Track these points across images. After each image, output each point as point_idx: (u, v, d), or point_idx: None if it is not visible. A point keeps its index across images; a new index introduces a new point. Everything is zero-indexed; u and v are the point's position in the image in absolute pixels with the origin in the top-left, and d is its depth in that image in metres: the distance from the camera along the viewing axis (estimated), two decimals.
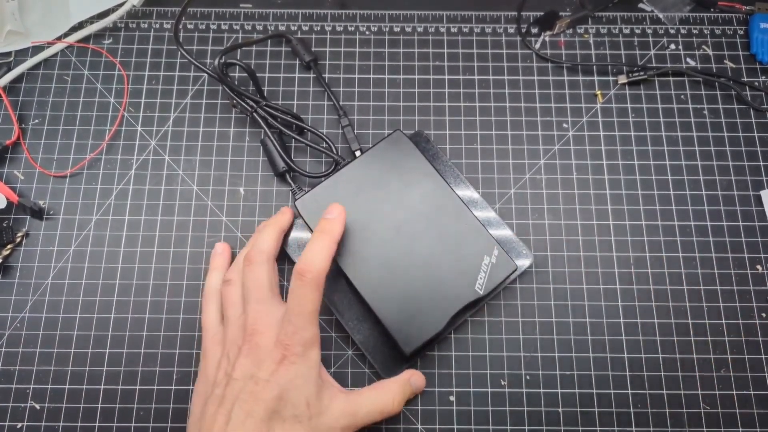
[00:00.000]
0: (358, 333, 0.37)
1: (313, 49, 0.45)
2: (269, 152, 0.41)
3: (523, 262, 0.38)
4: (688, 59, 0.45)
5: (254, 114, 0.41)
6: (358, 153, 0.41)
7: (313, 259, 0.32)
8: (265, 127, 0.41)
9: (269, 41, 0.45)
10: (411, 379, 0.36)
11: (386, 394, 0.34)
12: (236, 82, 0.43)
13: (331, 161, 0.41)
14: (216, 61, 0.39)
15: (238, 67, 0.41)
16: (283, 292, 0.39)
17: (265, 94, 0.44)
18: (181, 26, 0.46)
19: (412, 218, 0.36)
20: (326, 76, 0.44)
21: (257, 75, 0.44)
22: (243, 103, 0.41)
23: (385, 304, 0.35)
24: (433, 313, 0.34)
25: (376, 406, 0.33)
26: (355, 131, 0.42)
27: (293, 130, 0.41)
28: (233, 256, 0.40)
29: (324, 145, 0.40)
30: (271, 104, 0.41)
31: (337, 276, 0.35)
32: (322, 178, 0.38)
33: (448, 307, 0.35)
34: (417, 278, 0.35)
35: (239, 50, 0.45)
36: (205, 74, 0.44)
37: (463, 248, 0.35)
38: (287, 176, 0.40)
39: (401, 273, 0.35)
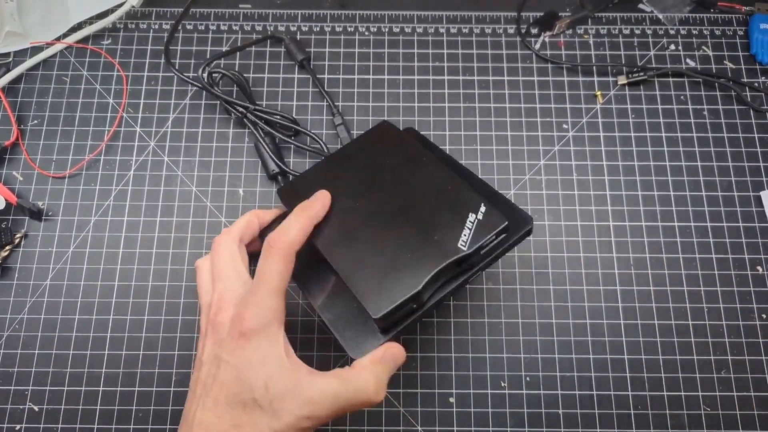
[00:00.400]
0: (328, 312, 0.32)
1: (312, 49, 0.45)
2: (261, 155, 0.41)
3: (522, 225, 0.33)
4: (688, 60, 0.45)
5: (244, 119, 0.41)
6: None
7: (286, 231, 0.30)
8: (255, 131, 0.41)
9: (268, 42, 0.45)
10: (385, 354, 0.30)
11: (357, 380, 0.29)
12: (234, 85, 0.43)
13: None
14: (200, 72, 0.39)
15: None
16: None
17: (264, 95, 0.44)
18: (180, 26, 0.45)
19: (393, 186, 0.33)
20: (326, 76, 0.44)
21: (254, 76, 0.44)
22: (233, 110, 0.41)
23: (354, 266, 0.30)
24: (409, 274, 0.30)
25: (345, 392, 0.28)
26: (355, 131, 0.42)
27: (289, 131, 0.41)
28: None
29: (317, 146, 0.40)
30: (261, 108, 0.41)
31: (313, 263, 0.32)
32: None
33: (425, 266, 0.30)
34: (392, 240, 0.31)
35: (237, 53, 0.45)
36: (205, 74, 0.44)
37: (447, 208, 0.32)
38: (279, 178, 0.41)
39: (377, 238, 0.31)
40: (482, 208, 0.31)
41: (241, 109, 0.41)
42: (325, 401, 0.28)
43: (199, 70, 0.40)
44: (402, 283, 0.29)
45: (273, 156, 0.40)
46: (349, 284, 0.30)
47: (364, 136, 0.36)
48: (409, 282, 0.29)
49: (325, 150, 0.40)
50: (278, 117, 0.41)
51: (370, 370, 0.29)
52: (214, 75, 0.41)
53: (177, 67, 0.44)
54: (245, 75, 0.43)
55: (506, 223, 0.31)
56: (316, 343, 0.38)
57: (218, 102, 0.43)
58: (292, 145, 0.42)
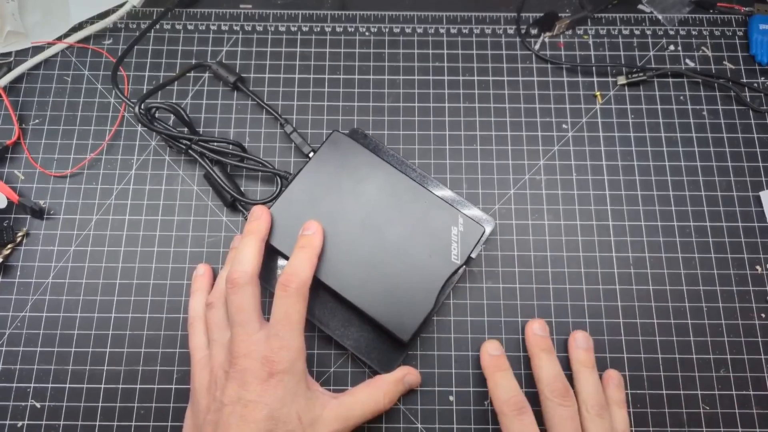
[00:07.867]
0: (347, 339, 0.37)
1: (313, 49, 0.45)
2: (213, 186, 0.40)
3: (488, 228, 0.39)
4: (688, 60, 0.45)
5: (190, 151, 0.40)
6: (311, 154, 0.40)
7: (296, 270, 0.33)
8: (203, 162, 0.40)
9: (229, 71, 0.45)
10: (406, 377, 0.36)
11: (377, 392, 0.34)
12: (187, 113, 0.41)
13: (278, 180, 0.40)
14: (136, 109, 0.38)
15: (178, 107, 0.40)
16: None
17: (217, 122, 0.43)
18: (181, 26, 0.46)
19: (373, 211, 0.36)
20: (327, 77, 0.44)
21: (207, 103, 0.43)
22: (178, 144, 0.40)
23: (371, 299, 0.35)
24: (420, 295, 0.35)
25: (368, 405, 0.34)
26: (356, 131, 0.42)
27: (236, 156, 0.41)
28: (215, 274, 0.39)
29: (267, 167, 0.40)
30: (205, 138, 0.40)
31: (314, 290, 0.34)
32: (271, 201, 0.38)
33: (431, 285, 0.35)
34: (394, 267, 0.35)
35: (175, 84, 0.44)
36: (205, 75, 0.44)
37: (430, 225, 0.36)
38: (238, 205, 0.40)
39: (378, 266, 0.35)
40: (460, 220, 0.36)
41: (185, 141, 0.40)
42: (357, 414, 0.33)
43: (135, 108, 0.39)
44: (417, 303, 0.35)
45: (227, 185, 0.39)
46: (373, 316, 0.35)
47: (321, 154, 0.38)
48: (422, 302, 0.35)
49: (281, 171, 0.40)
50: (225, 144, 0.40)
51: (391, 386, 0.35)
52: (151, 109, 0.40)
53: (178, 68, 0.45)
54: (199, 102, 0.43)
55: (484, 229, 0.37)
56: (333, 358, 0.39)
57: (219, 102, 0.43)
58: (244, 170, 0.42)
